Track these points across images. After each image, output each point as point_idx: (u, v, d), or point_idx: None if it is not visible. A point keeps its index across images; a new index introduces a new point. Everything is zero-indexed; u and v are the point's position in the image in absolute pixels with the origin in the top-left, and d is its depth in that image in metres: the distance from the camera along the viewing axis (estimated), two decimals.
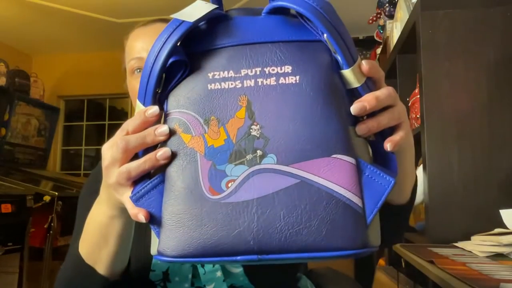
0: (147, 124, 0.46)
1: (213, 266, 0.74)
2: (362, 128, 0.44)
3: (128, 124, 0.48)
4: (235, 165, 0.42)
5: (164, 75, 0.46)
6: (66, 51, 4.19)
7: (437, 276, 0.80)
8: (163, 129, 0.45)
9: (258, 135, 0.42)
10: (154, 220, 0.44)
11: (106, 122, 4.32)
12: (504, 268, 0.83)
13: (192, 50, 0.47)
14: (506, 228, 1.03)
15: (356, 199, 0.40)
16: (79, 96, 4.32)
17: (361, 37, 3.57)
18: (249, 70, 0.44)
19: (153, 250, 0.45)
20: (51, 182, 3.06)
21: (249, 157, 0.42)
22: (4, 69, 3.34)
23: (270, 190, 0.41)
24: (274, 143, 0.42)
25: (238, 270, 0.75)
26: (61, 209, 2.59)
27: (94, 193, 0.82)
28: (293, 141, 0.42)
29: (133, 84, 0.83)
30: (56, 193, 2.60)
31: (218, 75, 0.45)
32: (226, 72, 0.45)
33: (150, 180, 0.45)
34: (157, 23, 0.87)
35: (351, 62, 0.43)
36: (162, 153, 0.44)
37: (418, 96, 1.36)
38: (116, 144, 0.47)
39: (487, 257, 0.95)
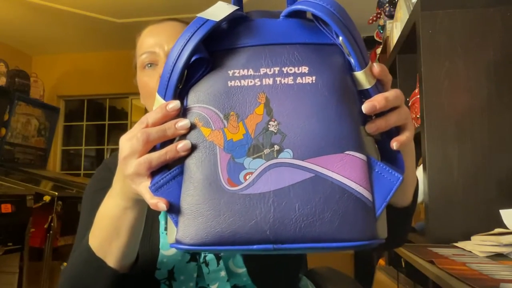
0: (167, 118, 0.47)
1: (217, 266, 0.74)
2: (371, 127, 0.46)
3: (148, 117, 0.48)
4: (253, 158, 0.44)
5: (186, 71, 0.47)
6: (66, 51, 4.19)
7: (437, 276, 0.80)
8: (184, 122, 0.46)
9: (275, 131, 0.44)
10: (172, 209, 0.46)
11: (106, 122, 4.32)
12: (504, 268, 0.83)
13: (213, 48, 0.49)
14: (506, 228, 1.03)
15: (366, 193, 0.42)
16: (79, 96, 4.32)
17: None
18: (268, 69, 0.46)
19: (171, 239, 0.46)
20: (51, 182, 3.06)
21: (266, 151, 0.44)
22: (4, 69, 3.34)
23: (286, 183, 0.43)
24: (291, 139, 0.44)
25: (241, 270, 0.76)
26: (61, 209, 2.59)
27: (100, 190, 0.82)
28: (309, 138, 0.44)
29: (144, 79, 0.83)
30: (56, 193, 2.60)
31: (238, 73, 0.47)
32: (246, 70, 0.47)
33: (169, 171, 0.47)
34: (170, 22, 0.87)
35: (363, 64, 0.45)
36: (182, 145, 0.46)
37: (418, 96, 1.36)
38: (136, 136, 0.48)
39: (487, 257, 0.95)
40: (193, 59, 0.47)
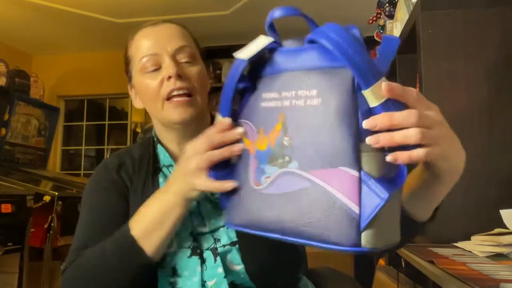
0: (224, 130, 0.63)
1: (215, 262, 0.75)
2: (370, 139, 0.48)
3: (212, 130, 0.64)
4: (271, 166, 0.56)
5: (238, 95, 0.63)
6: (66, 51, 4.19)
7: (437, 276, 0.80)
8: (241, 130, 0.62)
9: (288, 145, 0.54)
10: (224, 195, 0.63)
11: (106, 122, 4.32)
12: (504, 268, 0.83)
13: (256, 74, 0.61)
14: (506, 228, 1.03)
15: (353, 206, 0.47)
16: (79, 96, 4.32)
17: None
18: (287, 93, 0.55)
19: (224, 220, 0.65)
20: (51, 182, 3.06)
21: (280, 161, 0.54)
22: (4, 69, 3.34)
23: (292, 189, 0.53)
24: (298, 153, 0.53)
25: (239, 267, 0.76)
26: (61, 209, 2.59)
27: (101, 190, 0.84)
28: (311, 153, 0.51)
29: (146, 82, 0.82)
30: (56, 193, 2.59)
31: (268, 96, 0.58)
32: (273, 94, 0.57)
33: (224, 169, 0.63)
34: (166, 23, 0.86)
35: (368, 83, 0.48)
36: (238, 147, 0.61)
37: None
38: (201, 140, 0.65)
39: (487, 257, 0.95)
40: (241, 87, 0.62)
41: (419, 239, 1.29)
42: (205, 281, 0.74)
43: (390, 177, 0.49)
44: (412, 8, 1.52)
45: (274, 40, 0.60)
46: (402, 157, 0.48)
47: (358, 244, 0.47)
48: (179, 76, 0.79)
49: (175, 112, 0.79)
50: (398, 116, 0.48)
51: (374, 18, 2.32)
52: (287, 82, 0.56)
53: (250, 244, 0.76)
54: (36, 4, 3.14)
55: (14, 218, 2.36)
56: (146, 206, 0.72)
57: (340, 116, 0.49)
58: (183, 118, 0.80)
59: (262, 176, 0.56)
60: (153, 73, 0.81)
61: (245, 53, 0.60)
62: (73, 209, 2.74)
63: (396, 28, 1.81)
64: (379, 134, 0.48)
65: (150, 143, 0.90)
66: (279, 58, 0.59)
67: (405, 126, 0.48)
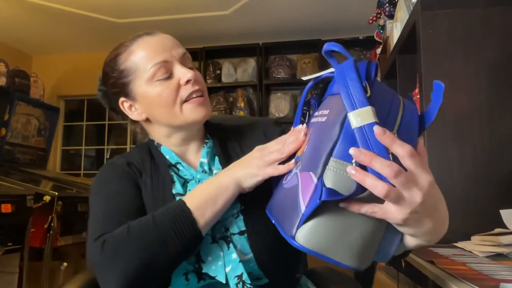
0: (297, 136, 0.74)
1: (228, 249, 0.78)
2: (349, 170, 0.54)
3: (287, 137, 0.77)
4: (295, 168, 0.68)
5: (306, 111, 0.77)
6: (66, 51, 4.19)
7: (437, 276, 0.80)
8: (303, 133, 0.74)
9: (304, 152, 0.68)
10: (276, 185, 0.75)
11: (106, 122, 4.32)
12: (504, 268, 0.83)
13: (323, 95, 0.73)
14: (506, 228, 1.03)
15: (303, 205, 0.57)
16: (79, 96, 4.32)
17: (361, 37, 3.57)
18: (318, 112, 0.69)
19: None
20: (51, 182, 3.06)
21: (298, 164, 0.68)
22: (4, 69, 3.34)
23: (291, 184, 0.65)
24: (304, 158, 0.66)
25: (248, 256, 0.79)
26: (61, 209, 2.59)
27: (108, 181, 0.87)
28: (307, 158, 0.64)
29: (159, 90, 0.85)
30: (56, 193, 2.59)
31: (315, 113, 0.70)
32: (317, 113, 0.69)
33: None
34: (163, 34, 0.90)
35: (351, 108, 0.55)
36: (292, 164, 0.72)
37: (418, 96, 1.36)
38: (280, 143, 0.77)
39: (487, 257, 0.95)
40: (311, 101, 0.76)
41: None
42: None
43: (341, 192, 0.54)
44: (412, 8, 1.52)
45: (333, 71, 0.68)
46: (358, 174, 0.53)
47: (292, 236, 0.57)
48: (196, 80, 0.86)
49: (196, 111, 0.87)
50: (377, 162, 0.52)
51: (374, 18, 2.32)
52: (323, 104, 0.70)
53: (258, 232, 0.80)
54: (36, 4, 3.14)
55: (14, 218, 2.35)
56: (204, 184, 0.80)
57: (329, 131, 0.58)
58: (203, 115, 0.87)
59: (289, 175, 0.69)
60: (164, 81, 0.85)
61: (309, 79, 0.74)
62: (73, 209, 2.74)
63: (396, 28, 1.81)
64: (357, 169, 0.53)
65: (147, 147, 0.95)
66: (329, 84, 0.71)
67: (381, 173, 0.51)
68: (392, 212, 0.54)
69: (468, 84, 1.24)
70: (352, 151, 0.53)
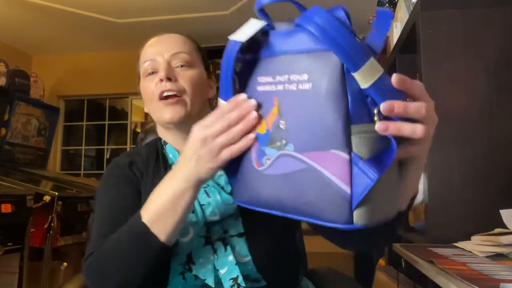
0: (238, 106, 0.61)
1: (225, 251, 0.78)
2: (380, 127, 0.48)
3: (225, 108, 0.63)
4: (270, 148, 0.57)
5: (237, 78, 0.62)
6: (66, 51, 4.19)
7: (437, 276, 0.80)
8: (255, 115, 0.59)
9: (284, 128, 0.55)
10: (230, 174, 0.65)
11: (106, 122, 4.32)
12: (504, 268, 0.83)
13: (253, 57, 0.61)
14: (506, 228, 1.03)
15: (344, 187, 0.49)
16: (79, 96, 4.32)
17: (361, 37, 3.56)
18: (281, 77, 0.56)
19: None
20: (51, 182, 3.06)
21: (278, 143, 0.56)
22: (4, 69, 3.34)
23: (288, 170, 0.54)
24: (293, 135, 0.54)
25: (246, 258, 0.79)
26: (61, 209, 2.59)
27: (112, 185, 0.88)
28: (304, 136, 0.53)
29: (145, 85, 0.90)
30: (56, 193, 2.59)
31: (263, 80, 0.59)
32: (267, 78, 0.58)
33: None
34: (172, 34, 0.95)
35: (356, 67, 0.48)
36: (252, 136, 0.61)
37: None
38: (216, 121, 0.63)
39: (487, 257, 0.95)
40: (238, 70, 0.62)
41: (419, 239, 1.29)
42: (218, 270, 0.77)
43: (380, 157, 0.49)
44: (412, 8, 1.52)
45: (267, 23, 0.60)
46: (392, 127, 0.48)
47: (350, 221, 0.50)
48: (168, 78, 0.87)
49: (165, 111, 0.87)
50: (412, 107, 0.49)
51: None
52: (280, 66, 0.56)
53: (257, 235, 0.80)
54: (36, 4, 3.14)
55: (14, 218, 2.36)
56: (155, 194, 0.72)
57: (330, 100, 0.50)
58: (171, 117, 0.86)
59: (263, 158, 0.58)
60: (151, 76, 0.90)
61: (240, 35, 0.59)
62: (73, 209, 2.74)
63: (396, 28, 1.81)
64: (390, 124, 0.48)
65: (156, 144, 0.96)
66: (273, 41, 0.59)
67: (414, 118, 0.49)
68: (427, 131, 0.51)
69: (468, 84, 1.24)
70: (385, 106, 0.47)
